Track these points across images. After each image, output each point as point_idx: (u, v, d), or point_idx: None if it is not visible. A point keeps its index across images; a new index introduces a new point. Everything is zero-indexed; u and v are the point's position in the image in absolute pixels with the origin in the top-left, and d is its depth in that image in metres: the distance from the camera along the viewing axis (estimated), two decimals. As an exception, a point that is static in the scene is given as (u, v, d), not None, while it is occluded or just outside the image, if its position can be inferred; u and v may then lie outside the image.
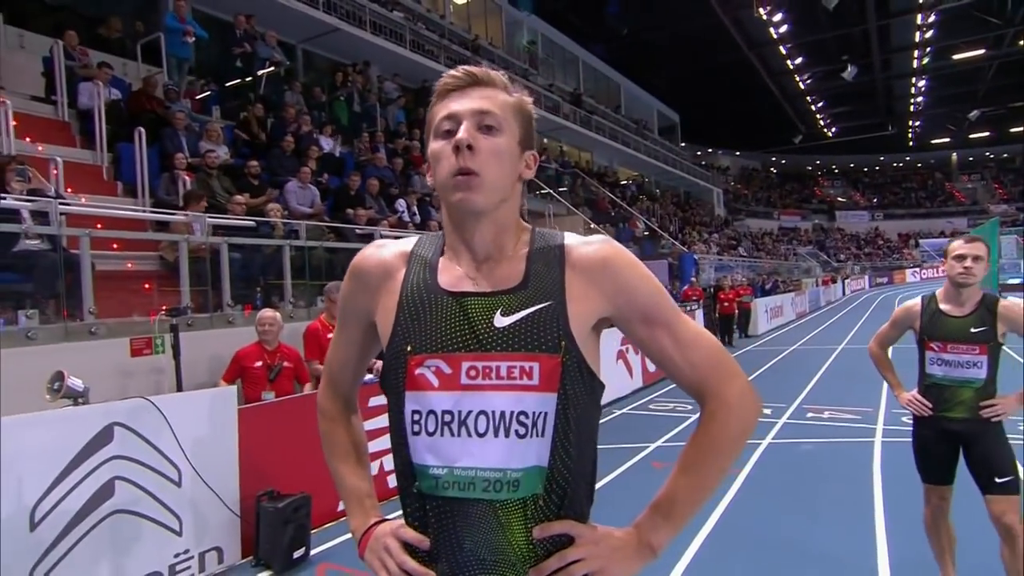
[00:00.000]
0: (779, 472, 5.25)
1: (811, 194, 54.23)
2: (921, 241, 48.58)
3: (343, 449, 1.15)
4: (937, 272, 41.72)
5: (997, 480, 2.59)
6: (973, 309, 2.69)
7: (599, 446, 1.04)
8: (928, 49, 32.65)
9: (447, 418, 0.93)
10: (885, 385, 8.90)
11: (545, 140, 23.32)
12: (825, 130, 44.65)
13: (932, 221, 50.85)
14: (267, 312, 4.94)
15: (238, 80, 10.27)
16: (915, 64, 34.29)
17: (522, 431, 0.92)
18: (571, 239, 1.04)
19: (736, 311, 15.41)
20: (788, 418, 7.12)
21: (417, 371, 0.95)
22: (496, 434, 0.92)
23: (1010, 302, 2.70)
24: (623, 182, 25.78)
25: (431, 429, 0.94)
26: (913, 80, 37.24)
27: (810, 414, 7.26)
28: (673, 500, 0.99)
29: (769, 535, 3.99)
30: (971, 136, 47.64)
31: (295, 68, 13.03)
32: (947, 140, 49.16)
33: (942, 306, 2.74)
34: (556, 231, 1.07)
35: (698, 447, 1.00)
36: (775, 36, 29.34)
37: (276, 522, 3.65)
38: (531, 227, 1.07)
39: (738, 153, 49.62)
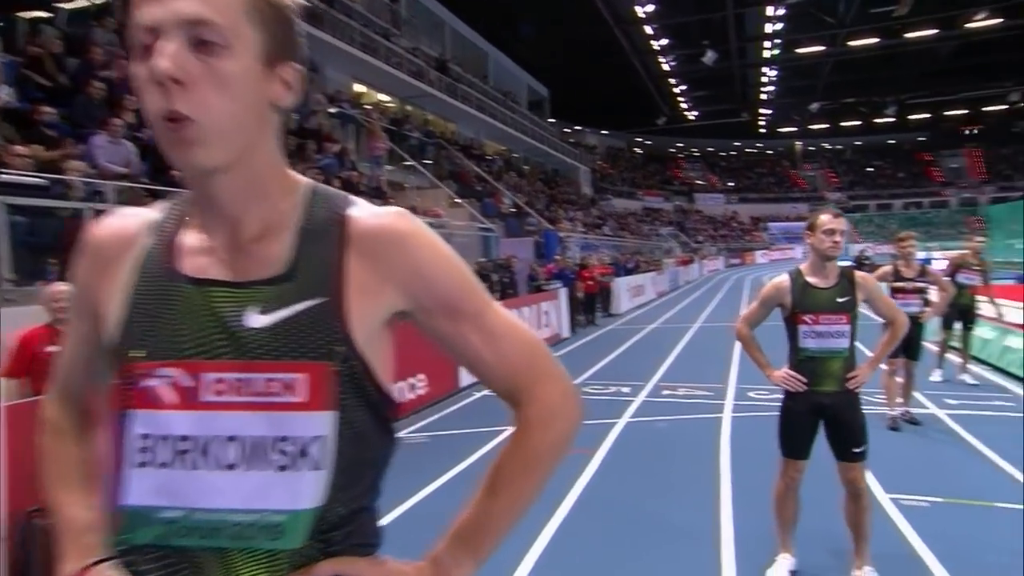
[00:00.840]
0: (635, 449, 5.45)
1: (672, 176, 58.22)
2: (769, 224, 54.18)
3: (65, 469, 0.95)
4: (784, 254, 46.80)
5: (854, 450, 2.89)
6: (836, 281, 2.95)
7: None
8: (777, 41, 35.99)
9: (185, 445, 0.76)
10: (735, 361, 9.59)
11: (408, 107, 22.76)
12: (687, 113, 47.92)
13: (779, 206, 56.74)
14: (61, 286, 4.19)
15: (30, 8, 8.76)
16: (766, 54, 37.70)
17: (284, 461, 0.76)
18: (357, 209, 0.84)
19: (598, 289, 16.06)
20: (646, 396, 7.47)
21: (146, 383, 0.77)
22: (250, 466, 0.75)
23: (862, 274, 3.04)
24: (489, 156, 25.85)
25: (164, 459, 0.77)
26: (764, 70, 40.96)
27: (666, 391, 7.68)
28: (479, 526, 0.85)
29: (625, 511, 4.15)
30: (811, 127, 53.67)
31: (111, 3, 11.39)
32: (793, 130, 54.91)
33: (809, 279, 2.96)
34: (340, 192, 0.88)
35: (511, 463, 0.86)
36: (641, 15, 30.77)
37: (51, 543, 3.09)
38: (304, 183, 0.86)
39: (605, 132, 51.86)
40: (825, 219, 2.87)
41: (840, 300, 2.87)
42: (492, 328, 0.86)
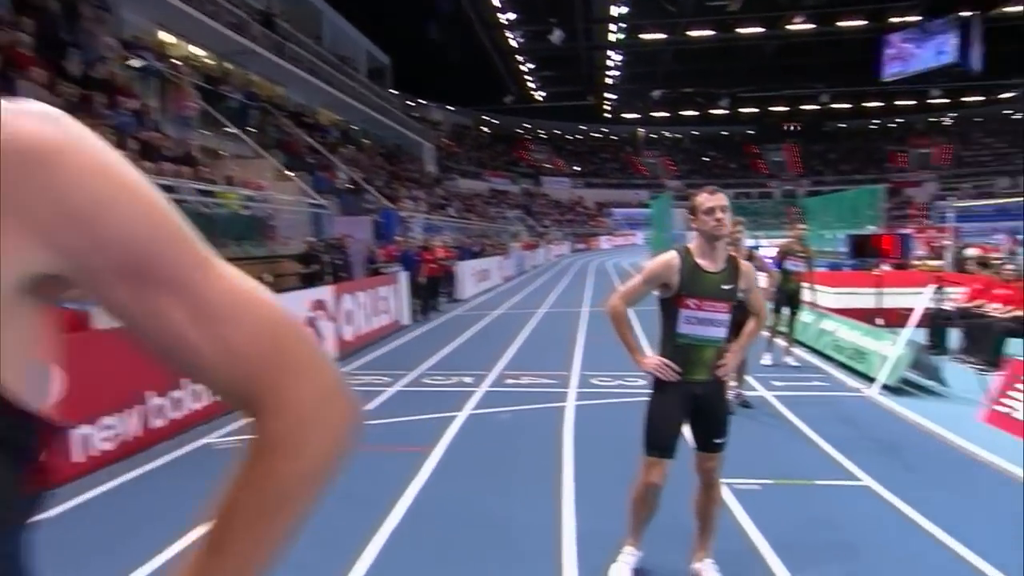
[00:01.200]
0: (476, 444, 5.29)
1: (519, 158, 59.52)
2: (613, 210, 57.34)
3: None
4: (626, 240, 49.74)
5: (716, 440, 2.96)
6: (724, 266, 2.93)
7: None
8: (622, 25, 37.86)
9: None
10: (579, 348, 9.75)
11: (229, 65, 20.89)
12: (534, 93, 49.07)
13: (623, 192, 60.19)
14: None
15: None
16: (611, 37, 39.54)
17: None
18: None
19: (441, 273, 15.83)
20: (489, 386, 7.37)
21: None
22: None
23: (746, 264, 3.04)
24: (324, 126, 24.56)
25: None
26: (609, 53, 42.98)
27: (509, 380, 7.64)
28: None
29: (463, 513, 3.99)
30: (653, 115, 57.48)
31: None
32: (636, 116, 58.38)
33: (699, 261, 2.91)
34: None
35: (245, 505, 0.58)
36: (489, -15, 30.77)
37: None
38: None
39: (451, 108, 51.63)
40: (702, 199, 2.88)
41: (725, 287, 2.88)
42: (207, 300, 0.57)
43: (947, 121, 59.39)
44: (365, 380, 7.89)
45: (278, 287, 9.59)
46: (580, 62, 44.75)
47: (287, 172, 17.47)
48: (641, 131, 64.01)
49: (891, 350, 6.74)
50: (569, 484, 4.38)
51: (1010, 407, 5.34)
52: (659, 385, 2.93)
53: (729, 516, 3.78)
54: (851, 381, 7.12)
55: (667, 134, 65.14)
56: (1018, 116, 56.24)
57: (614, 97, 53.09)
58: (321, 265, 10.52)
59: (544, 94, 49.99)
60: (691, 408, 2.93)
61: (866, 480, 4.33)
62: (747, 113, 58.74)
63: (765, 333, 8.16)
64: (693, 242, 2.94)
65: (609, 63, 44.94)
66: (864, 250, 9.56)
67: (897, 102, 53.11)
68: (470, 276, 18.64)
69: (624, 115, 59.01)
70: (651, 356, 2.96)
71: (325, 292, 9.02)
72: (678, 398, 2.89)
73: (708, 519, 3.04)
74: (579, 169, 61.88)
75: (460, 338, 10.96)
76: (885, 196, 26.56)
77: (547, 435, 5.51)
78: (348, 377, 7.90)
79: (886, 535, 3.58)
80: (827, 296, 10.98)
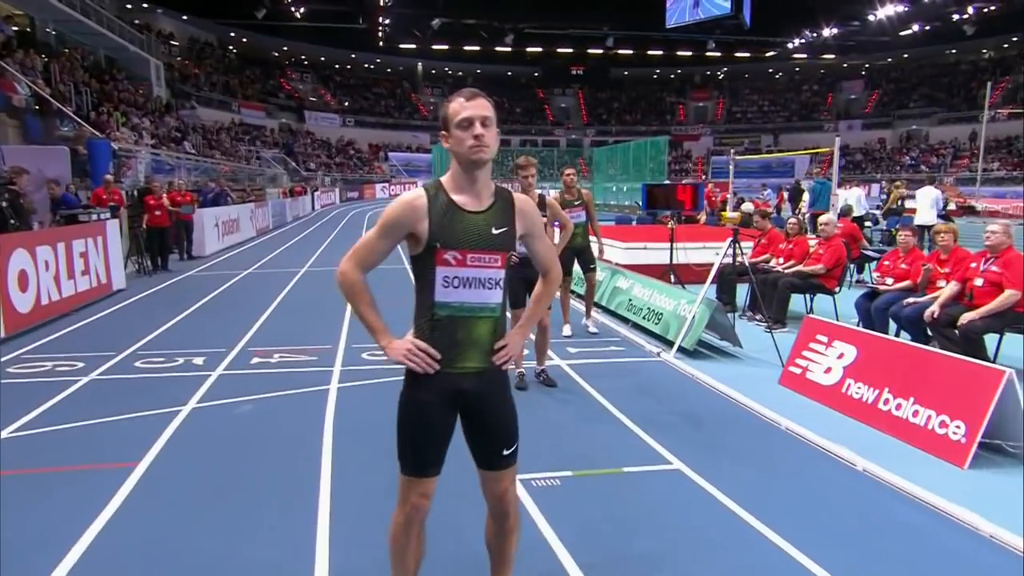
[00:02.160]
0: (200, 453, 4.36)
1: (277, 86, 55.43)
2: (390, 155, 56.02)
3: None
4: (404, 188, 48.95)
5: (504, 452, 2.41)
6: (492, 201, 2.32)
7: None
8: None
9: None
10: (347, 313, 9.00)
11: None
12: (292, 8, 45.61)
13: (400, 133, 59.01)
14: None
15: None
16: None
17: None
18: None
19: (171, 224, 13.94)
20: (226, 368, 6.35)
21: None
22: None
23: (522, 196, 2.43)
24: (-3, 22, 20.25)
25: None
26: (383, -30, 41.17)
27: (256, 359, 6.68)
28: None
29: (178, 548, 3.21)
30: (434, 48, 56.76)
31: None
32: (413, 47, 57.13)
33: (455, 197, 2.28)
34: None
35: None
36: None
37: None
38: None
39: (185, 18, 46.15)
40: (457, 105, 2.25)
41: (496, 231, 2.30)
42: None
43: (720, 76, 66.69)
44: (45, 367, 6.40)
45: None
46: (348, -24, 42.50)
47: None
48: (420, 65, 63.04)
49: (688, 310, 6.95)
50: (326, 502, 3.70)
51: (804, 367, 5.69)
52: (413, 379, 2.33)
53: (527, 519, 3.40)
54: (648, 344, 7.27)
55: (448, 71, 64.95)
56: (779, 75, 65.17)
57: (387, 23, 51.25)
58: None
59: (304, 10, 46.66)
60: (460, 409, 2.38)
61: (676, 463, 4.23)
62: (533, 52, 60.52)
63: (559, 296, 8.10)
64: (447, 174, 2.34)
65: (382, -19, 43.17)
66: (660, 202, 9.93)
67: (679, 52, 58.24)
68: (213, 228, 16.74)
69: (401, 45, 57.45)
70: (401, 339, 2.34)
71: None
72: (437, 396, 2.32)
73: (504, 553, 2.56)
74: (348, 104, 59.37)
75: (193, 306, 9.57)
76: (667, 149, 28.98)
77: (301, 432, 4.74)
78: (15, 364, 6.41)
79: (697, 522, 3.45)
80: (618, 252, 11.41)
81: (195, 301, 9.95)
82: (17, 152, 13.83)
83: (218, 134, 36.94)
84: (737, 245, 6.97)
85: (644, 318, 7.91)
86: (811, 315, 6.32)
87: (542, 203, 5.60)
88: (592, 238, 7.67)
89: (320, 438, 4.65)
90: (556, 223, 6.26)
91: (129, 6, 39.52)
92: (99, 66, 28.03)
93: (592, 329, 7.95)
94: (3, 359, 6.72)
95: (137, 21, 38.40)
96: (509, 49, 55.31)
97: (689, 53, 57.49)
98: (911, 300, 6.33)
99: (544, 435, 4.70)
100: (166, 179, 18.78)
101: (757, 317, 8.29)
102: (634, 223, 19.30)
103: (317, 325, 8.08)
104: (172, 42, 44.02)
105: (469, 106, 2.22)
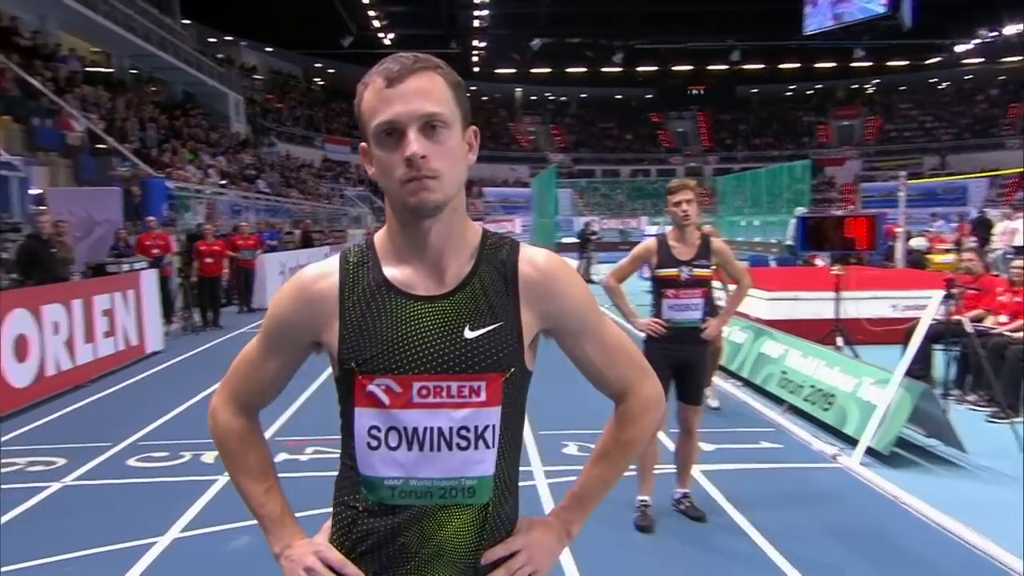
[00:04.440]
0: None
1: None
2: (484, 190, 56.00)
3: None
4: (499, 227, 48.60)
5: None
6: (466, 274, 1.80)
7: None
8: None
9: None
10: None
11: None
12: (381, 34, 46.67)
13: (495, 167, 59.07)
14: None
15: None
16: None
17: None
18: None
19: (229, 271, 13.50)
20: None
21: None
22: None
23: (540, 255, 1.64)
24: (65, 56, 21.04)
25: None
26: (476, -14, 41.52)
27: (283, 455, 5.64)
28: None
29: None
30: (534, 71, 56.78)
31: None
32: (512, 71, 57.41)
33: (390, 272, 1.73)
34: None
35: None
36: None
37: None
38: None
39: (270, 50, 48.10)
40: (372, 95, 1.39)
41: (474, 333, 1.88)
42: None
43: (870, 89, 63.28)
44: (16, 465, 5.58)
45: None
46: (439, -3, 43.15)
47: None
48: (519, 91, 63.26)
49: (876, 393, 5.40)
50: None
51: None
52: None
53: None
54: (817, 441, 5.74)
55: (550, 96, 64.82)
56: (945, 86, 61.10)
57: (483, 46, 51.67)
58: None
59: (393, 35, 47.66)
60: None
61: None
62: (645, 72, 59.48)
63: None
64: (382, 228, 1.59)
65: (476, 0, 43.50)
66: (820, 239, 8.38)
67: (818, 64, 55.64)
68: (277, 276, 16.27)
69: (498, 70, 57.82)
70: (307, 541, 1.56)
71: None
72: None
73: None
74: (440, 136, 60.00)
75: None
76: (810, 174, 26.95)
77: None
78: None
79: None
80: (759, 304, 9.86)
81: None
82: (65, 194, 13.80)
83: (298, 171, 37.70)
84: (952, 300, 5.38)
85: (808, 400, 6.36)
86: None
87: (707, 246, 4.28)
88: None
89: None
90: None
91: (212, 40, 41.46)
92: (174, 101, 29.05)
93: (713, 403, 6.75)
94: None
95: (220, 55, 40.18)
96: (618, 69, 54.41)
97: (831, 64, 54.72)
98: None
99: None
100: (232, 221, 18.74)
101: (970, 399, 6.58)
102: (772, 264, 17.57)
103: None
104: (255, 76, 45.86)
105: (393, 96, 1.32)
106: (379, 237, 1.45)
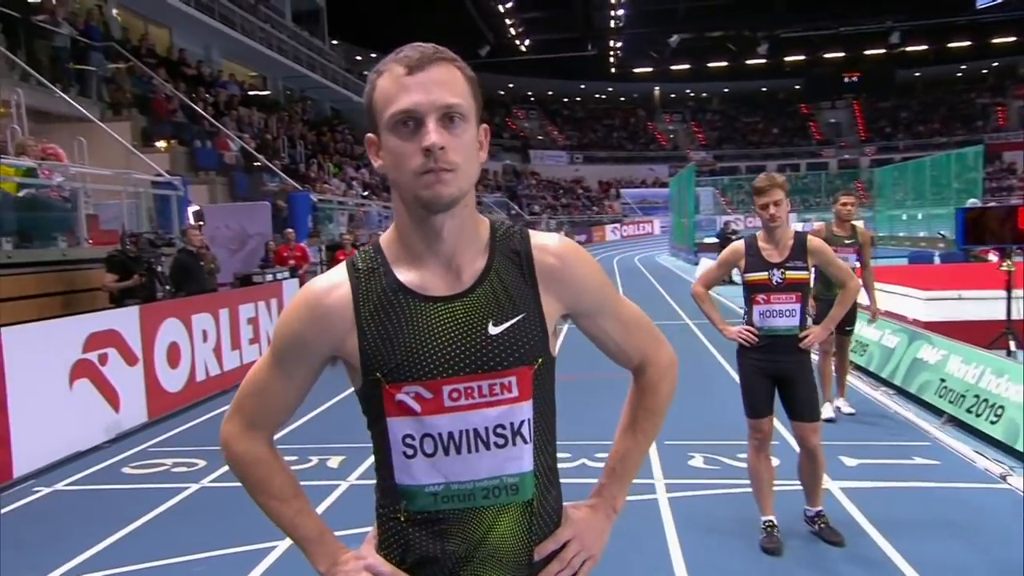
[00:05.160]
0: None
1: (502, 126, 57.68)
2: (622, 191, 55.47)
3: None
4: (639, 228, 47.94)
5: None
6: (482, 269, 1.75)
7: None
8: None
9: None
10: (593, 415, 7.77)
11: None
12: (517, 42, 47.22)
13: (634, 167, 58.38)
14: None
15: None
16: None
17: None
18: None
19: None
20: (359, 478, 5.40)
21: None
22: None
23: (551, 242, 1.72)
24: (225, 82, 22.60)
25: None
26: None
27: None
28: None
29: None
30: (672, 68, 55.69)
31: None
32: (649, 70, 56.57)
33: (403, 276, 1.69)
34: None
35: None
36: None
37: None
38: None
39: (412, 64, 49.74)
40: (388, 83, 1.38)
41: (497, 329, 1.85)
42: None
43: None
44: (163, 466, 5.94)
45: (49, 309, 7.60)
46: (575, -1, 43.12)
47: (159, 142, 15.69)
48: (658, 89, 62.22)
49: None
50: None
51: None
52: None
53: None
54: (982, 458, 5.16)
55: (690, 92, 63.32)
56: None
57: (619, 46, 51.19)
58: (145, 274, 8.50)
59: (529, 42, 48.08)
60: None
61: None
62: (793, 62, 56.91)
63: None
64: (388, 230, 1.71)
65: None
66: (986, 233, 7.58)
67: (994, 40, 51.05)
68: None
69: (635, 69, 57.12)
70: (356, 551, 1.60)
71: (120, 319, 7.02)
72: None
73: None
74: (578, 139, 60.01)
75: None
76: (982, 162, 24.79)
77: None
78: (136, 461, 6.02)
79: None
80: (916, 305, 9.12)
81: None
82: (221, 210, 14.77)
83: (439, 180, 38.76)
84: None
85: (971, 411, 5.75)
86: None
87: (802, 246, 3.95)
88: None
89: None
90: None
91: (359, 58, 43.40)
92: (322, 118, 30.56)
93: (847, 409, 6.55)
94: (128, 452, 6.40)
95: (366, 72, 41.90)
96: (763, 61, 52.49)
97: (1010, 39, 50.07)
98: None
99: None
100: (375, 231, 19.45)
101: None
102: (936, 261, 16.27)
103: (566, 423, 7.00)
104: (397, 89, 47.54)
105: (412, 83, 1.31)
106: (386, 239, 1.43)
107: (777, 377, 3.92)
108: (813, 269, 4.05)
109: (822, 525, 4.06)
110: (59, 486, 5.61)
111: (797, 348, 3.91)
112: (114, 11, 20.13)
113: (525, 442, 1.38)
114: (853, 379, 7.35)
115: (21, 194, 8.49)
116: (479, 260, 1.40)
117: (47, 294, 8.14)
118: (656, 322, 1.61)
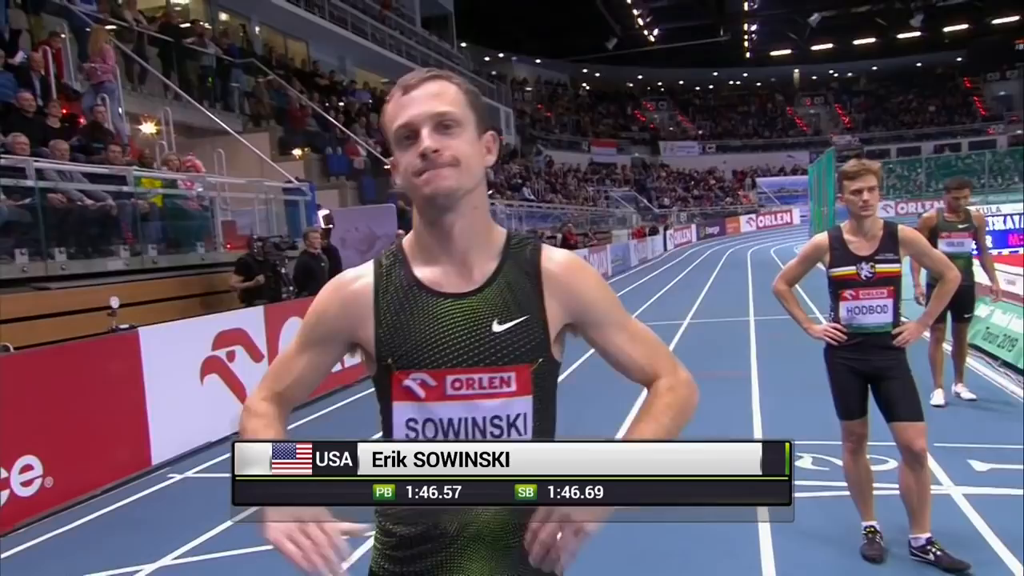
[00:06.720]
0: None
1: (631, 119, 57.05)
2: (758, 180, 53.60)
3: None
4: (776, 219, 46.21)
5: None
6: (493, 270, 1.90)
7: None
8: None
9: None
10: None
11: (224, 15, 20.44)
12: (646, 32, 46.65)
13: (770, 155, 56.25)
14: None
15: None
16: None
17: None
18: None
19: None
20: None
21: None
22: None
23: (559, 253, 1.93)
24: (356, 90, 23.63)
25: None
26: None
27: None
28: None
29: None
30: (813, 49, 53.28)
31: None
32: (788, 52, 54.36)
33: (420, 272, 1.88)
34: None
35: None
36: None
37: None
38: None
39: (539, 61, 50.12)
40: (393, 106, 1.56)
41: (502, 326, 2.03)
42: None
43: None
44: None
45: (192, 308, 8.24)
46: (705, -16, 42.11)
47: (296, 153, 16.61)
48: (797, 72, 59.70)
49: None
50: None
51: None
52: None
53: None
54: None
55: (833, 73, 60.33)
56: None
57: (754, 29, 49.56)
58: (270, 275, 9.07)
59: (658, 31, 47.38)
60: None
61: None
62: (954, 32, 52.97)
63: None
64: (409, 233, 1.84)
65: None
66: None
67: None
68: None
69: (772, 53, 55.06)
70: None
71: (246, 318, 7.53)
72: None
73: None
74: (710, 129, 58.54)
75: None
76: None
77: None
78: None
79: None
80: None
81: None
82: (349, 213, 15.48)
83: (564, 177, 38.86)
84: None
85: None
86: None
87: (893, 237, 3.72)
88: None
89: None
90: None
91: (487, 59, 44.22)
92: (449, 121, 31.39)
93: (967, 395, 6.49)
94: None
95: (493, 72, 42.73)
96: (918, 34, 49.27)
97: None
98: None
99: None
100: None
101: None
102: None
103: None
104: (526, 88, 48.09)
105: (408, 101, 1.48)
106: (407, 240, 1.59)
107: (870, 376, 3.71)
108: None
109: (938, 552, 3.62)
110: (190, 473, 6.13)
111: (890, 345, 3.68)
112: (256, 29, 21.44)
113: (520, 434, 1.50)
114: (973, 361, 7.24)
115: (165, 204, 9.26)
116: (491, 262, 1.54)
117: (188, 296, 8.86)
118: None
